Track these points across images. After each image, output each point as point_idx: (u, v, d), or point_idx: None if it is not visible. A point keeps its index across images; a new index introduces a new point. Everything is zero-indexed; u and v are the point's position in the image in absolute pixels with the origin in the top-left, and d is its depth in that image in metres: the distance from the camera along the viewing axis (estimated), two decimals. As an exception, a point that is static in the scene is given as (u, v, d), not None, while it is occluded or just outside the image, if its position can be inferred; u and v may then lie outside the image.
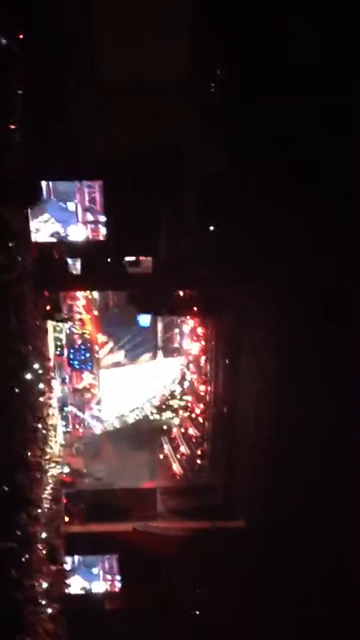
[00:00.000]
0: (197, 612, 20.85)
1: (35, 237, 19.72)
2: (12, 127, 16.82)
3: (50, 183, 19.59)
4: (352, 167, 15.34)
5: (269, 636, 19.06)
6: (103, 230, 20.50)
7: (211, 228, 19.79)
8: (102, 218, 20.27)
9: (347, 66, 15.71)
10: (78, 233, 20.32)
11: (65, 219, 20.05)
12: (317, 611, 17.51)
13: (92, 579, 22.20)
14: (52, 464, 21.72)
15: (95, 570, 22.21)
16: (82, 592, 22.06)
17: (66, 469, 23.70)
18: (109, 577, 22.20)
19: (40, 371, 20.24)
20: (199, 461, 25.67)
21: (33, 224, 19.65)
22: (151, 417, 26.75)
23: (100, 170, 19.50)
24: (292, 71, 16.63)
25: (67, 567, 21.40)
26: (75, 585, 21.93)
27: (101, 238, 20.61)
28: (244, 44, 16.98)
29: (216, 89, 18.78)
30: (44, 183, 19.42)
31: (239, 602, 19.79)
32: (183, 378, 26.70)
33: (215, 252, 19.47)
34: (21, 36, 16.79)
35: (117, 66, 18.10)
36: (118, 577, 22.13)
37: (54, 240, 20.29)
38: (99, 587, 22.28)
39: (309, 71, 16.38)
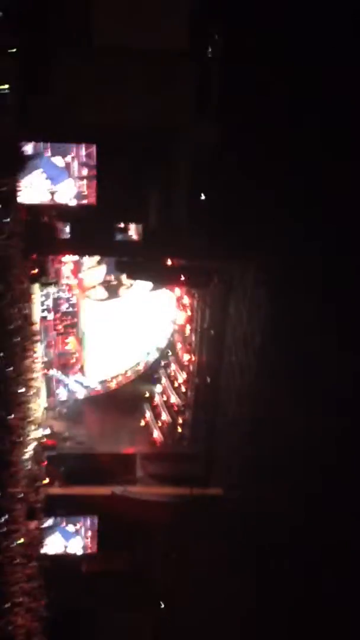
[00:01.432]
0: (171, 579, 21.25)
1: (25, 197, 19.43)
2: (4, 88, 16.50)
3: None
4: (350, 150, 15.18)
5: (241, 601, 19.55)
6: (95, 195, 20.23)
7: (202, 198, 19.63)
8: (95, 185, 20.04)
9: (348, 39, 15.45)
10: (68, 190, 19.96)
11: (56, 175, 19.76)
12: (286, 579, 17.96)
13: (70, 540, 22.52)
14: (35, 427, 21.84)
15: (73, 532, 22.52)
16: (60, 552, 22.39)
17: (48, 432, 23.88)
18: (86, 539, 22.53)
19: (25, 334, 20.21)
20: (179, 429, 25.95)
21: (24, 181, 19.33)
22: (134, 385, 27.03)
23: (93, 135, 19.28)
24: (292, 42, 16.36)
25: (46, 527, 21.71)
26: (53, 545, 22.26)
27: (92, 203, 20.36)
28: (242, 14, 16.67)
29: (213, 57, 18.48)
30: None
31: (213, 568, 20.26)
32: (167, 346, 26.83)
33: (205, 223, 19.35)
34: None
35: (113, 32, 17.77)
36: (96, 540, 22.45)
37: (43, 202, 20.04)
38: (77, 548, 22.61)
39: (308, 41, 16.11)
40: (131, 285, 25.24)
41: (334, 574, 16.24)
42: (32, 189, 19.80)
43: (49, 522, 22.02)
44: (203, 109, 18.75)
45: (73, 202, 20.16)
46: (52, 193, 19.92)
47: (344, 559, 15.64)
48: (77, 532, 22.48)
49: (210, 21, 17.71)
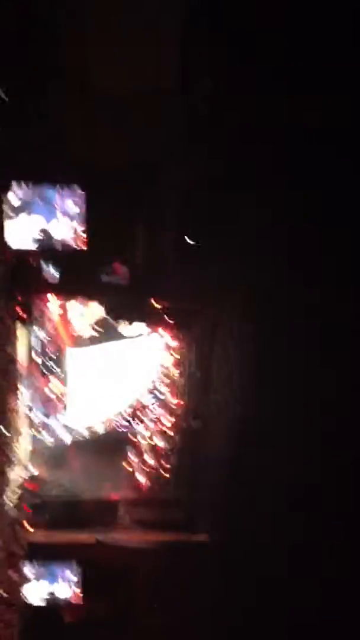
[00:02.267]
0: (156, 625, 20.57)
1: (10, 239, 19.60)
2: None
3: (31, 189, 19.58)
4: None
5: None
6: (83, 238, 20.40)
7: (187, 239, 19.90)
8: (81, 227, 20.22)
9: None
10: (58, 231, 20.12)
11: (46, 215, 19.93)
12: (277, 626, 17.43)
13: (51, 588, 21.84)
14: (16, 471, 21.47)
15: (54, 580, 21.86)
16: (41, 601, 21.68)
17: (31, 476, 23.45)
18: (68, 587, 21.86)
19: (8, 375, 20.09)
20: (165, 474, 25.58)
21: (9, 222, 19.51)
22: (120, 429, 26.74)
23: (82, 177, 19.58)
24: (287, 89, 16.71)
25: (26, 575, 21.07)
26: (34, 594, 21.56)
27: (79, 246, 20.53)
28: (233, 58, 17.10)
29: (201, 103, 18.98)
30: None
31: (199, 616, 19.69)
32: (154, 390, 26.71)
33: (191, 263, 19.57)
34: None
35: (107, 81, 18.26)
36: (78, 588, 21.78)
37: (30, 246, 20.19)
38: (58, 595, 21.93)
39: (303, 88, 16.46)
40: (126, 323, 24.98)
41: (332, 614, 15.81)
42: (20, 231, 19.97)
43: (30, 569, 21.38)
44: (192, 152, 19.18)
45: (62, 242, 20.23)
46: (42, 232, 20.01)
47: (340, 597, 15.25)
48: (58, 579, 21.83)
49: (200, 62, 18.20)
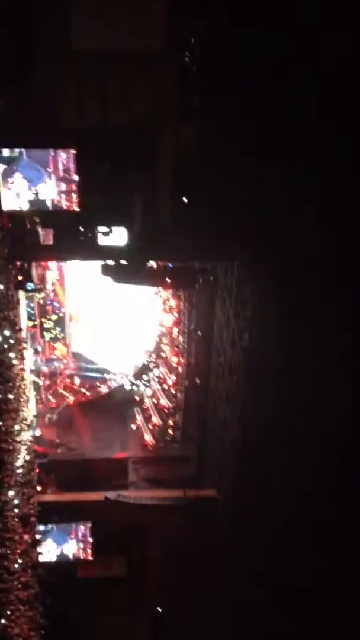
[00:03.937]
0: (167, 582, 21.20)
1: (5, 203, 19.34)
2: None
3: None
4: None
5: (235, 603, 19.55)
6: (76, 200, 20.15)
7: (184, 200, 19.67)
8: (75, 189, 19.94)
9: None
10: (48, 191, 19.84)
11: (35, 177, 19.63)
12: (284, 580, 17.95)
13: (64, 547, 22.43)
14: (25, 434, 21.75)
15: (67, 538, 22.44)
16: (55, 559, 22.29)
17: (39, 439, 23.81)
18: (81, 545, 22.45)
19: (12, 341, 20.13)
20: (170, 432, 25.95)
21: (6, 190, 19.26)
22: (125, 388, 27.01)
23: (73, 140, 19.23)
24: (274, 45, 16.35)
25: (40, 535, 21.62)
26: (48, 553, 22.16)
27: (74, 208, 20.29)
28: (222, 13, 16.68)
29: (190, 60, 18.50)
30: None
31: (209, 569, 20.26)
32: (156, 349, 26.85)
33: (189, 223, 19.37)
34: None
35: (90, 37, 17.75)
36: (90, 546, 22.36)
37: (25, 209, 19.97)
38: (72, 554, 22.53)
39: (291, 45, 16.09)
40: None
41: (338, 571, 16.29)
42: (13, 193, 19.69)
43: (43, 529, 21.91)
44: (184, 110, 18.78)
45: (55, 204, 19.96)
46: (34, 195, 19.73)
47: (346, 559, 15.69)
48: (71, 538, 22.40)
49: (188, 21, 17.68)
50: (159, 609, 22.32)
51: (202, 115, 18.10)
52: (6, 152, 19.14)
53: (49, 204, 19.95)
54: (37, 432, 24.03)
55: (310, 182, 15.76)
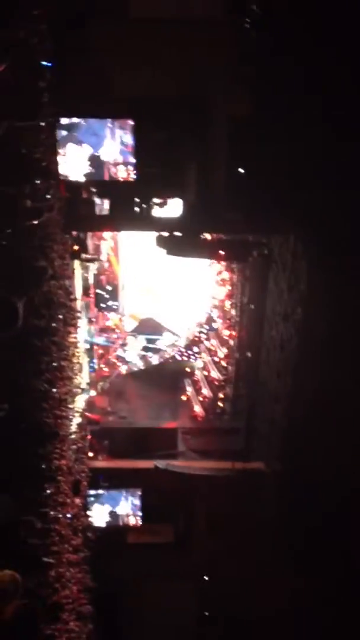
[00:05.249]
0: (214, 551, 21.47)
1: (64, 171, 19.44)
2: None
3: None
4: None
5: (278, 575, 19.74)
6: (133, 170, 20.11)
7: (240, 170, 19.38)
8: (132, 160, 19.88)
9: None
10: (105, 160, 19.77)
11: (95, 144, 19.58)
12: (326, 555, 17.99)
13: (114, 513, 22.92)
14: (78, 402, 22.16)
15: (116, 505, 22.91)
16: (105, 525, 22.82)
17: (92, 406, 24.27)
18: (130, 511, 22.89)
19: (66, 310, 20.43)
20: (220, 404, 26.04)
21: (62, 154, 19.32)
22: (177, 359, 27.17)
23: (129, 109, 19.13)
24: (336, 14, 15.84)
25: (91, 499, 22.15)
26: (98, 518, 22.70)
27: (130, 178, 20.26)
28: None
29: (250, 27, 18.04)
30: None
31: (255, 540, 20.43)
32: (207, 321, 26.83)
33: (244, 195, 19.13)
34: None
35: (147, 2, 17.55)
36: (140, 513, 22.78)
37: (83, 178, 20.04)
38: (121, 520, 23.02)
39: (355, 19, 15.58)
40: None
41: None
42: (71, 162, 19.77)
43: (94, 494, 22.44)
44: (239, 79, 18.42)
45: (111, 174, 19.93)
46: (93, 166, 19.72)
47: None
48: (120, 504, 22.87)
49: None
50: (205, 577, 22.67)
51: (260, 83, 17.76)
52: (65, 120, 19.21)
53: (105, 173, 20.02)
54: (97, 403, 24.51)
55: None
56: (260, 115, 17.75)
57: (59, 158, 19.29)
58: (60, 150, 19.30)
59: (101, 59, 17.88)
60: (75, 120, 19.11)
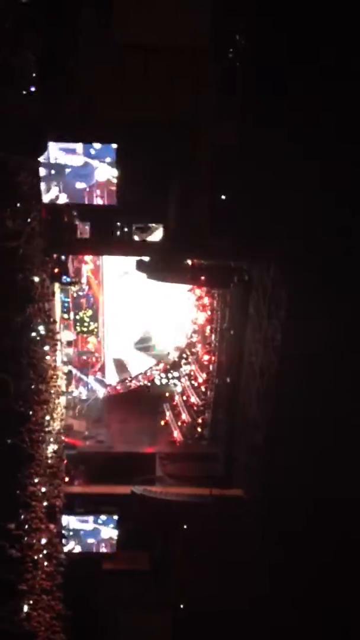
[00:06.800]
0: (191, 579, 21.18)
1: (46, 196, 19.52)
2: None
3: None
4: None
5: (260, 599, 19.50)
6: (115, 195, 20.20)
7: (222, 197, 19.58)
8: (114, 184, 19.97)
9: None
10: (93, 186, 19.87)
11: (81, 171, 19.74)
12: (307, 577, 17.86)
13: (89, 539, 22.55)
14: (55, 425, 21.94)
15: (92, 531, 22.54)
16: (80, 551, 22.42)
17: (69, 431, 24.01)
18: (106, 538, 22.53)
19: (45, 332, 20.32)
20: (199, 429, 25.92)
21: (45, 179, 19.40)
22: (157, 383, 27.06)
23: (115, 134, 19.30)
24: (317, 41, 16.22)
25: (65, 525, 21.79)
26: (73, 544, 22.32)
27: (112, 203, 20.35)
28: (265, 11, 16.58)
29: (234, 56, 18.39)
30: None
31: (233, 568, 20.23)
32: (187, 346, 26.82)
33: (226, 223, 19.30)
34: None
35: (133, 29, 17.80)
36: (115, 539, 22.44)
37: (64, 202, 20.11)
38: (96, 547, 22.64)
39: (335, 40, 15.95)
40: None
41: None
42: (53, 189, 19.87)
43: (69, 520, 22.08)
44: (225, 108, 18.70)
45: (92, 198, 20.01)
46: (75, 190, 19.79)
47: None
48: (96, 531, 22.51)
49: (232, 20, 17.61)
50: (181, 606, 22.30)
51: (244, 112, 18.01)
52: (51, 150, 19.24)
53: (89, 200, 20.09)
54: (74, 427, 24.27)
55: (354, 185, 15.61)
56: (244, 144, 18.00)
57: (41, 183, 19.42)
58: (42, 177, 19.42)
59: (87, 85, 18.10)
60: (59, 149, 19.25)
